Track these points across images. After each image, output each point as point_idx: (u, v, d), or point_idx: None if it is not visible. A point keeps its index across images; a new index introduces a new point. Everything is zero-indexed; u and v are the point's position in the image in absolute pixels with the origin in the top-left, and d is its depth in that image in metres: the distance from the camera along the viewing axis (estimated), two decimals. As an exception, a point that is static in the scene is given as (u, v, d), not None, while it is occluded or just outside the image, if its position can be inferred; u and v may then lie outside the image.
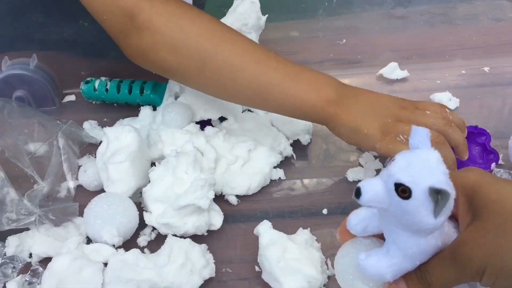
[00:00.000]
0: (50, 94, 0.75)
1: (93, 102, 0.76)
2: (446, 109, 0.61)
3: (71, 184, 0.65)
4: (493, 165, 0.63)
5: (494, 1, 0.88)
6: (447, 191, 0.34)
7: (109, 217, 0.57)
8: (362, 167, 0.67)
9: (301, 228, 0.59)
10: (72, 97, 0.79)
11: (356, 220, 0.42)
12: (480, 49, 0.82)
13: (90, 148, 0.71)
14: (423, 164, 0.35)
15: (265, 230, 0.56)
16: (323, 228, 0.61)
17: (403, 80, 0.78)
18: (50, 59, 0.77)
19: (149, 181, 0.62)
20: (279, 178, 0.67)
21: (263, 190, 0.66)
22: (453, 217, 0.41)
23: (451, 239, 0.39)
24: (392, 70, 0.78)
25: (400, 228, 0.38)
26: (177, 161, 0.60)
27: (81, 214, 0.60)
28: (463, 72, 0.79)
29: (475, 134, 0.64)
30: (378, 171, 0.66)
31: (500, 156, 0.64)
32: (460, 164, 0.60)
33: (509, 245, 0.34)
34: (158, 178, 0.60)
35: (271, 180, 0.66)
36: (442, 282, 0.38)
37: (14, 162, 0.64)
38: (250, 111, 0.73)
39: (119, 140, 0.62)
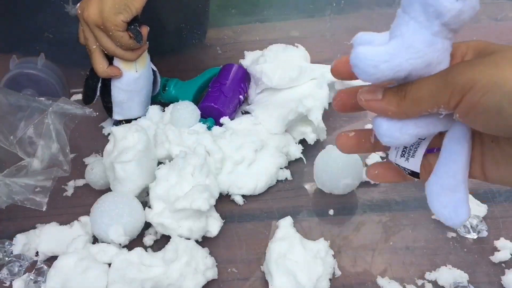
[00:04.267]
0: (58, 93, 0.75)
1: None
2: None
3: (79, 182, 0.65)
4: None
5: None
6: None
7: (116, 216, 0.57)
8: (369, 168, 0.66)
9: (322, 239, 0.57)
10: (79, 96, 0.79)
11: (364, 35, 0.37)
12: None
13: (97, 146, 0.71)
14: None
15: (284, 225, 0.57)
16: (329, 229, 0.61)
17: (411, 80, 0.78)
18: (58, 58, 0.77)
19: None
20: (286, 178, 0.67)
21: (270, 190, 0.66)
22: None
23: None
24: (400, 71, 0.78)
25: (414, 19, 0.34)
26: (185, 162, 0.60)
27: (88, 213, 0.60)
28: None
29: None
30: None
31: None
32: None
33: None
34: (163, 176, 0.60)
35: (277, 180, 0.66)
36: (417, 94, 0.35)
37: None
38: (248, 112, 0.72)
39: (126, 139, 0.62)
